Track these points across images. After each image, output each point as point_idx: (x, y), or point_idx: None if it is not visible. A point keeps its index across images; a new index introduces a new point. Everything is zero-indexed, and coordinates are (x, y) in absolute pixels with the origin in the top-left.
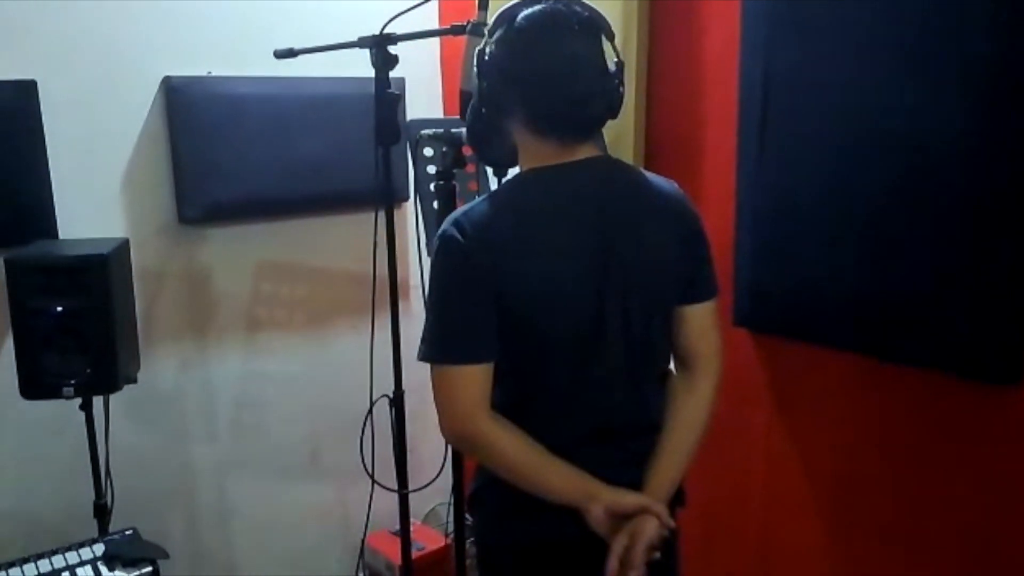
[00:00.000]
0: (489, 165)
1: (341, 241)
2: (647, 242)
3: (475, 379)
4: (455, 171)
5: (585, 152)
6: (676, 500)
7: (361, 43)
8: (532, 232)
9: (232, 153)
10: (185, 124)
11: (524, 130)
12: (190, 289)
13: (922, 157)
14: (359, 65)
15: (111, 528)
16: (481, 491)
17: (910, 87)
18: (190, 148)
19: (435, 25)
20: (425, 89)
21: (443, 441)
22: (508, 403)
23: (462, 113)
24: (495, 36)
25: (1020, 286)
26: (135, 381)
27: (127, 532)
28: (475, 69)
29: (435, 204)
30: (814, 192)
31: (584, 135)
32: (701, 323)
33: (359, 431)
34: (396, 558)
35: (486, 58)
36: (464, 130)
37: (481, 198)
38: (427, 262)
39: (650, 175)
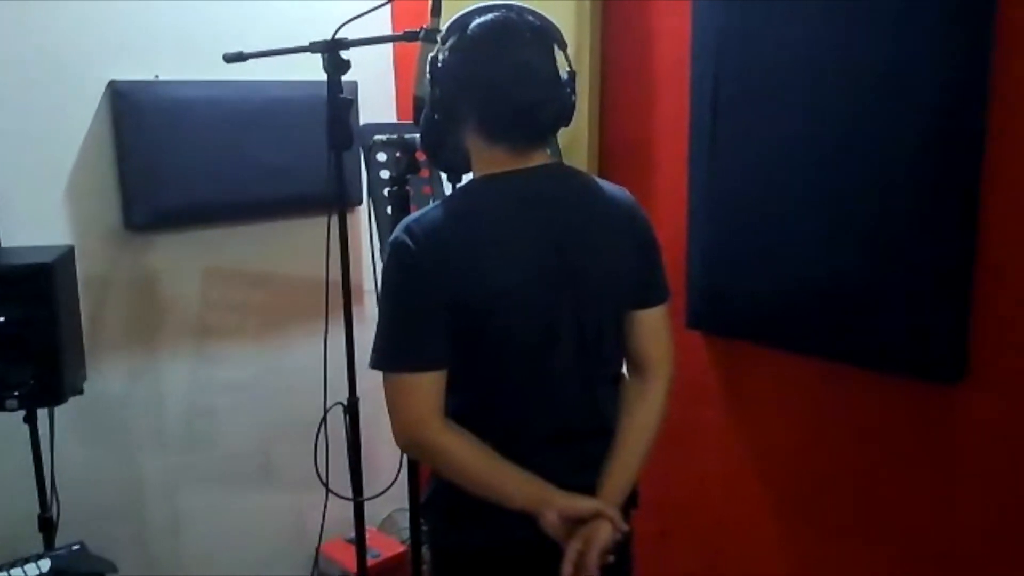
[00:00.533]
0: (443, 171)
1: (293, 246)
2: (599, 248)
3: (427, 387)
4: (409, 176)
5: (537, 159)
6: (630, 502)
7: (313, 48)
8: (483, 238)
9: (180, 158)
10: (131, 129)
11: (476, 137)
12: (138, 297)
13: (867, 163)
14: (310, 69)
15: (57, 543)
16: (435, 497)
17: (856, 94)
18: (137, 153)
19: (388, 30)
20: (378, 93)
21: (398, 448)
22: (462, 409)
23: (416, 118)
24: (448, 43)
25: (962, 289)
26: (81, 392)
27: (74, 547)
28: (428, 76)
29: (388, 209)
30: (764, 197)
31: (535, 142)
32: (653, 327)
33: (310, 439)
34: (351, 566)
35: (439, 65)
36: (418, 136)
37: (434, 204)
38: (381, 267)
39: (601, 182)
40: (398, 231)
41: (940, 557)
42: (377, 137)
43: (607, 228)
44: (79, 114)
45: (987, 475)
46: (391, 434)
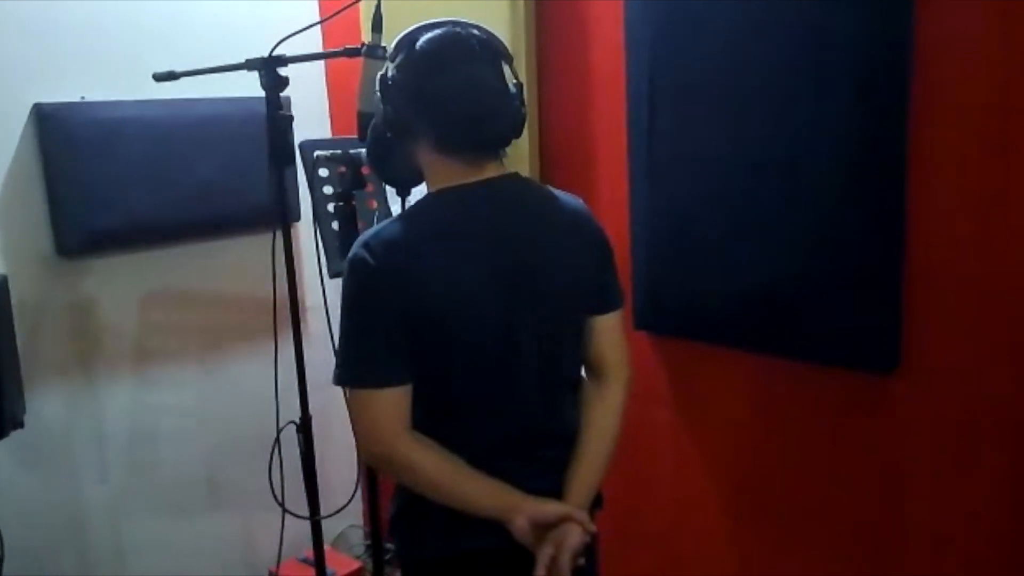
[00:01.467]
0: (391, 185)
1: (231, 265)
2: (556, 256)
3: (392, 401)
4: (354, 191)
5: (492, 171)
6: (594, 504)
7: (249, 65)
8: (441, 252)
9: (111, 180)
10: (59, 152)
11: (430, 150)
12: (74, 324)
13: (802, 161)
14: (242, 85)
15: None
16: (404, 510)
17: (786, 93)
18: (66, 177)
19: (319, 46)
20: (311, 109)
21: (351, 464)
22: (425, 419)
23: (361, 134)
24: (397, 60)
25: (893, 284)
26: (23, 425)
27: None
28: (377, 93)
29: (334, 225)
30: (703, 198)
31: (488, 154)
32: (609, 332)
33: (260, 459)
34: None
35: (389, 82)
36: (363, 151)
37: (390, 220)
38: (329, 284)
39: (555, 191)
40: (356, 247)
41: (882, 541)
42: (320, 152)
43: (563, 236)
44: (4, 138)
45: (921, 458)
46: (343, 451)
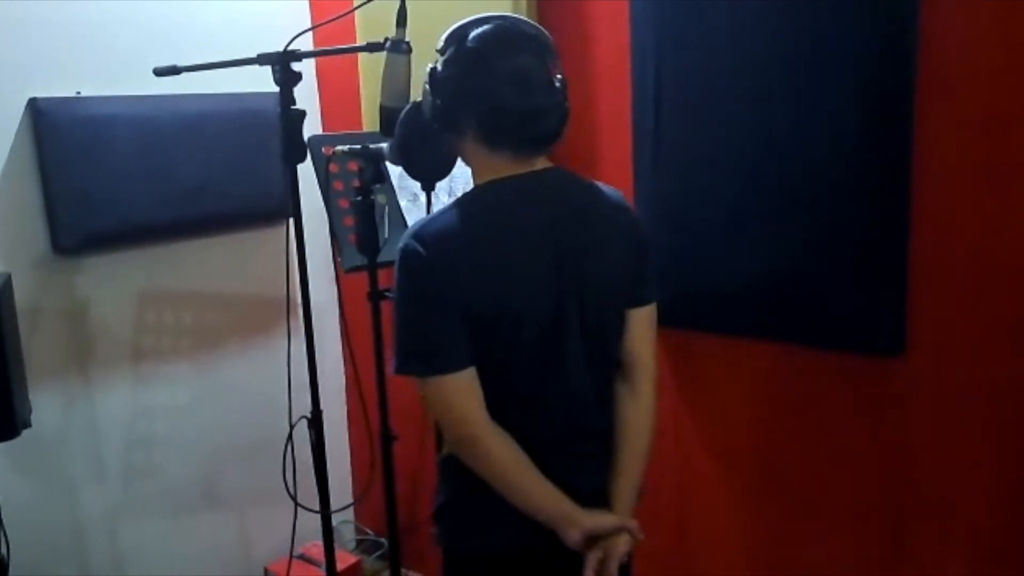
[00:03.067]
0: (417, 180)
1: (229, 263)
2: (601, 248)
3: (466, 385)
4: (373, 186)
5: (538, 164)
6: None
7: (262, 60)
8: (492, 242)
9: (108, 177)
10: (55, 148)
11: (477, 144)
12: (71, 323)
13: (807, 153)
14: (237, 81)
15: None
16: (450, 502)
17: (793, 87)
18: (62, 174)
19: (309, 41)
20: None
21: (346, 461)
22: None
23: (384, 128)
24: (447, 55)
25: (899, 269)
26: (30, 425)
27: None
28: (426, 86)
29: (345, 220)
30: (709, 189)
31: (537, 149)
32: (642, 326)
33: (258, 458)
34: None
35: (438, 76)
36: (384, 145)
37: (440, 210)
38: (314, 281)
39: (597, 183)
40: (408, 238)
41: (889, 523)
42: (339, 148)
43: (607, 228)
44: None
45: (927, 440)
46: (338, 449)
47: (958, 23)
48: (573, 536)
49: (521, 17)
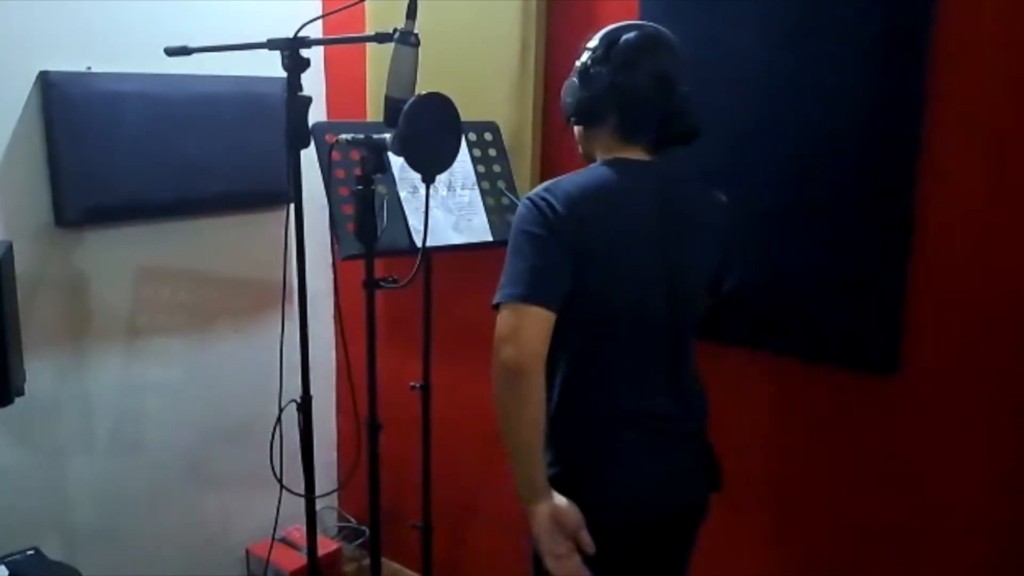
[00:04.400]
0: (419, 171)
1: (229, 243)
2: (704, 236)
3: (547, 323)
4: (375, 176)
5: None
6: (713, 484)
7: (272, 45)
8: (613, 210)
9: (113, 153)
10: (63, 122)
11: (613, 138)
12: (69, 295)
13: (807, 165)
14: (244, 64)
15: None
16: (566, 473)
17: (801, 97)
18: (68, 147)
19: (319, 29)
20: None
21: (333, 448)
22: (570, 374)
23: (388, 119)
24: (597, 53)
25: (896, 285)
26: (23, 393)
27: (28, 552)
28: (574, 80)
29: (343, 207)
30: None
31: (666, 147)
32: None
33: (245, 439)
34: (285, 564)
35: (589, 72)
36: (387, 136)
37: (568, 175)
38: (311, 267)
39: (702, 183)
40: (537, 193)
41: (880, 539)
42: (342, 136)
43: (711, 218)
44: (7, 106)
45: (919, 459)
46: (326, 433)
47: (969, 41)
48: (542, 511)
49: (661, 28)
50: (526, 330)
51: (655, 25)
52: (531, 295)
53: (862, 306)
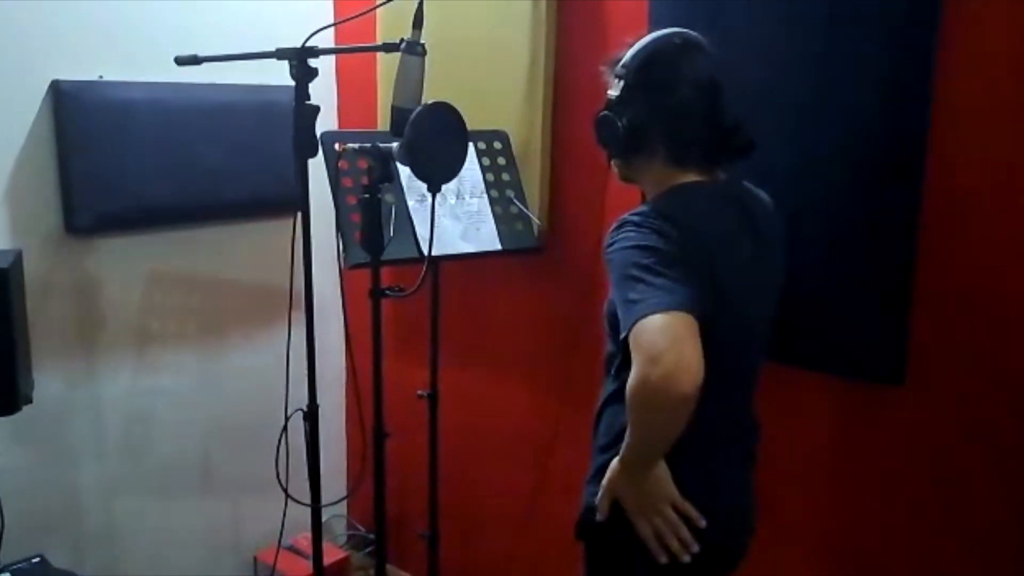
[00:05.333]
0: (424, 181)
1: (238, 252)
2: (774, 250)
3: (699, 335)
4: (381, 185)
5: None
6: None
7: (280, 54)
8: (711, 229)
9: (124, 161)
10: (74, 130)
11: (664, 164)
12: (79, 302)
13: (813, 178)
14: (255, 73)
15: (3, 556)
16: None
17: (808, 105)
18: (79, 155)
19: (331, 38)
20: (320, 101)
21: (342, 456)
22: None
23: (394, 129)
24: (629, 79)
25: (903, 296)
26: (31, 400)
27: (34, 559)
28: (608, 115)
29: (352, 216)
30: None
31: (721, 162)
32: None
33: (254, 447)
34: (293, 572)
35: (625, 99)
36: (394, 145)
37: (651, 202)
38: (320, 275)
39: (756, 189)
40: (638, 217)
41: (883, 552)
42: (350, 145)
43: (779, 231)
44: (20, 115)
45: (923, 471)
46: (333, 443)
47: (976, 53)
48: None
49: (687, 31)
50: (692, 352)
51: (680, 30)
52: (691, 304)
53: (868, 317)
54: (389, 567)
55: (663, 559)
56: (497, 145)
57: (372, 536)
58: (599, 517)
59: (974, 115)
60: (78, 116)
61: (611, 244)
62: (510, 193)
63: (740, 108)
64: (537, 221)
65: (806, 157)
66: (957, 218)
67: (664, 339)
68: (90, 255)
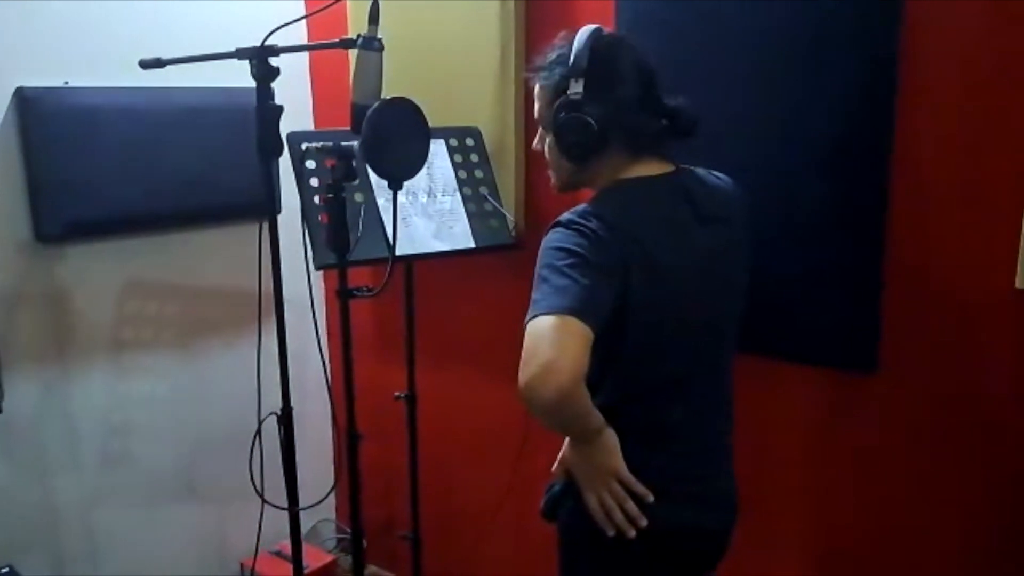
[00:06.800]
0: (384, 178)
1: (210, 256)
2: (735, 235)
3: (588, 342)
4: (344, 184)
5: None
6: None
7: (240, 54)
8: (655, 228)
9: (92, 167)
10: (41, 137)
11: (619, 157)
12: (50, 310)
13: (788, 168)
14: (227, 75)
15: None
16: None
17: (775, 98)
18: (47, 162)
19: (303, 36)
20: (295, 101)
21: (326, 458)
22: (618, 399)
23: (354, 126)
24: (570, 81)
25: (873, 286)
26: (1, 411)
27: (3, 570)
28: (567, 118)
29: (320, 217)
30: None
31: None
32: None
33: (235, 452)
34: None
35: (577, 101)
36: (355, 143)
37: (591, 201)
38: (300, 276)
39: (713, 174)
40: (574, 216)
41: (857, 540)
42: (310, 144)
43: (735, 217)
44: None
45: (898, 458)
46: (315, 446)
47: (939, 45)
48: (610, 435)
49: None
50: (572, 356)
51: (593, 25)
52: (583, 311)
53: (841, 306)
54: (377, 569)
55: (611, 532)
56: (469, 142)
57: (361, 539)
58: (553, 483)
59: (940, 106)
60: (44, 123)
61: (542, 244)
62: (484, 190)
63: (677, 90)
64: (511, 218)
65: (777, 148)
66: (926, 206)
67: (539, 343)
68: (60, 263)
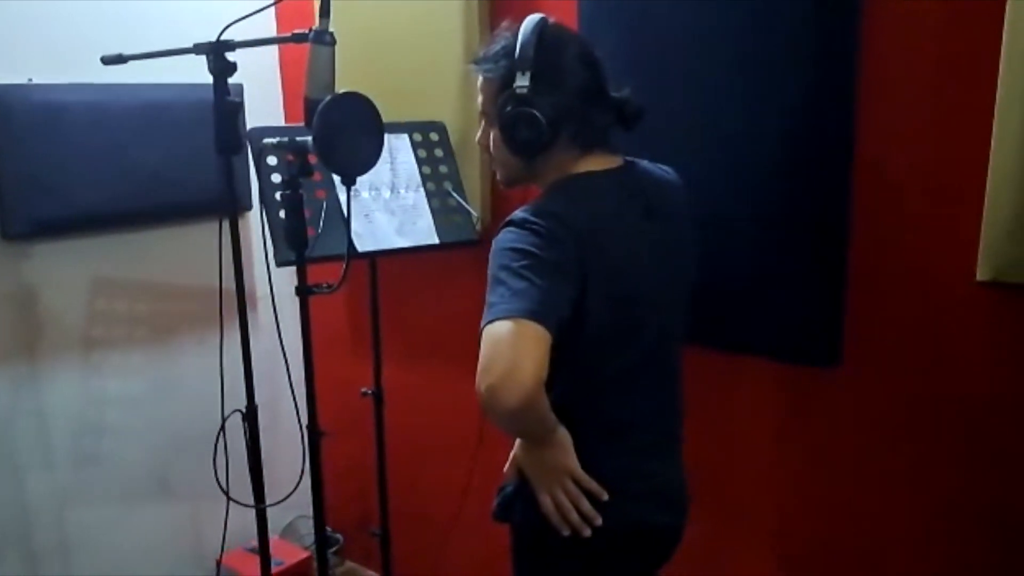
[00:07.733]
0: (337, 174)
1: (181, 253)
2: (680, 234)
3: (548, 347)
4: (301, 180)
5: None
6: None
7: (197, 49)
8: (606, 224)
9: (58, 165)
10: (5, 135)
11: (567, 151)
12: (17, 310)
13: (743, 162)
14: (194, 71)
15: None
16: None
17: (737, 92)
18: (11, 161)
19: (272, 30)
20: (265, 96)
21: (298, 454)
22: (569, 393)
23: (307, 120)
24: (518, 76)
25: (836, 280)
26: None
27: None
28: (518, 112)
29: (281, 213)
30: None
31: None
32: None
33: (207, 450)
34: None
35: (526, 96)
36: (310, 138)
37: (541, 198)
38: (276, 272)
39: (659, 167)
40: (526, 215)
41: (822, 534)
42: (267, 140)
43: (680, 209)
44: None
45: (861, 452)
46: (289, 441)
47: (899, 47)
48: (563, 434)
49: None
50: (534, 360)
51: (538, 15)
52: (541, 314)
53: (803, 300)
54: (354, 566)
55: (566, 532)
56: (434, 136)
57: (338, 535)
58: (505, 484)
59: (900, 100)
60: (8, 120)
61: (494, 244)
62: (448, 186)
63: (620, 80)
64: (476, 214)
65: (739, 143)
66: (887, 199)
67: (499, 349)
68: (27, 261)
